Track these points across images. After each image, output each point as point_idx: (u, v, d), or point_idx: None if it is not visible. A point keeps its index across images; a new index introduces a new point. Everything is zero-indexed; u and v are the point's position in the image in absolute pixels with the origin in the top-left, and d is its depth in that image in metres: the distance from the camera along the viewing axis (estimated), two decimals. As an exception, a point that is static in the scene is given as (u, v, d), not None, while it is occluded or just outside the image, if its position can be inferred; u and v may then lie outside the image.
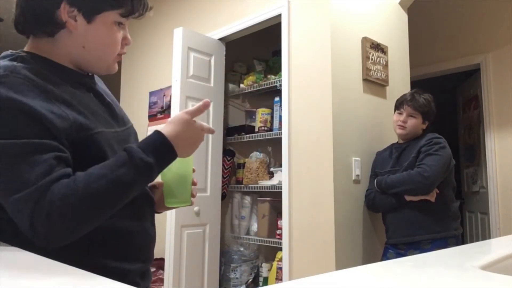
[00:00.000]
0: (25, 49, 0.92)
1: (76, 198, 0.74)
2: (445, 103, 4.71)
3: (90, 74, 0.99)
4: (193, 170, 1.03)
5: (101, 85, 1.05)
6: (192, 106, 3.16)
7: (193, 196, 1.03)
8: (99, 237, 0.84)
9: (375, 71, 2.52)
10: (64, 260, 0.64)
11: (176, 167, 0.95)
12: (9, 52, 0.90)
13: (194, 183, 1.03)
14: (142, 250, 0.94)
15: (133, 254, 0.91)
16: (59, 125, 0.79)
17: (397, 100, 2.31)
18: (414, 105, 2.20)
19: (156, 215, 1.05)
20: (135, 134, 1.06)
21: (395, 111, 2.31)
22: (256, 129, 3.08)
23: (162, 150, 0.85)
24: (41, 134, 0.77)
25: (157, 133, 0.86)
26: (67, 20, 0.87)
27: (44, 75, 0.85)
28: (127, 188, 0.81)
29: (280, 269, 2.62)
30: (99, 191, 0.76)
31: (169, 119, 0.91)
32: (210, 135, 2.86)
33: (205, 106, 0.94)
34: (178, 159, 0.92)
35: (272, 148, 3.33)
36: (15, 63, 0.84)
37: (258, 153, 3.09)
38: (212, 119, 2.89)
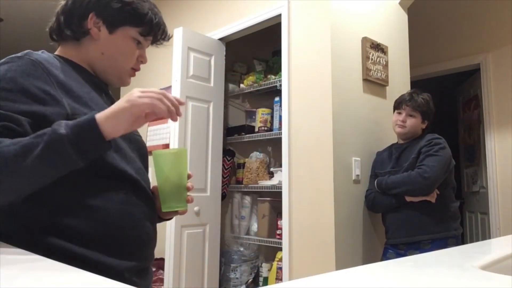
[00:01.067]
0: (55, 53, 1.03)
1: None
2: (445, 103, 4.71)
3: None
4: (189, 176, 1.02)
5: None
6: (192, 106, 3.11)
7: (188, 201, 1.01)
8: (92, 230, 0.85)
9: (375, 71, 2.52)
10: (56, 251, 0.64)
11: (168, 170, 0.96)
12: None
13: (188, 188, 1.01)
14: (137, 248, 0.94)
15: (126, 251, 0.91)
16: (45, 105, 0.84)
17: (396, 101, 2.32)
18: (413, 104, 2.20)
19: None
20: (144, 145, 1.10)
21: (394, 111, 2.32)
22: (256, 129, 3.08)
23: (82, 124, 0.81)
24: (11, 107, 0.81)
25: (90, 114, 0.84)
26: (92, 28, 1.00)
27: (61, 68, 0.94)
28: (33, 158, 0.76)
29: (280, 269, 2.62)
30: (7, 153, 0.75)
31: None
32: (211, 136, 2.86)
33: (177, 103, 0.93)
34: (170, 162, 0.95)
35: (272, 148, 3.33)
36: (39, 52, 0.94)
37: (258, 153, 3.09)
38: (212, 119, 2.89)
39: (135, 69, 1.08)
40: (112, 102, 1.04)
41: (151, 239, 0.99)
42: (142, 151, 1.06)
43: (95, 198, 0.88)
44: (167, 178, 0.96)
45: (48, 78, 0.88)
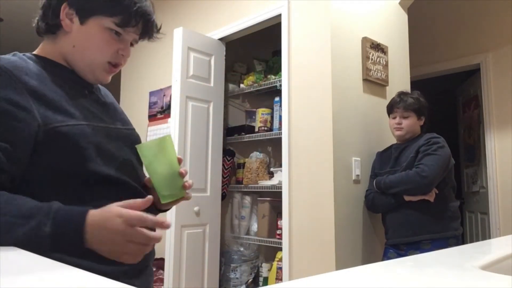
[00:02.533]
0: (33, 52, 0.97)
1: None
2: (445, 103, 4.72)
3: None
4: (179, 160, 0.96)
5: (105, 93, 1.08)
6: (192, 106, 3.09)
7: (185, 187, 0.95)
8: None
9: (375, 71, 2.52)
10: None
11: (156, 161, 0.91)
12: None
13: (182, 174, 0.94)
14: None
15: None
16: (21, 119, 0.80)
17: (387, 106, 2.35)
18: (404, 105, 2.23)
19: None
20: (137, 138, 1.05)
21: (388, 116, 2.34)
22: (256, 129, 3.08)
23: (67, 228, 0.75)
24: None
25: (82, 213, 0.77)
26: (64, 19, 0.93)
27: (34, 71, 0.88)
28: (9, 239, 0.72)
29: (280, 269, 2.62)
30: None
31: (106, 215, 0.78)
32: (211, 136, 2.86)
33: (146, 204, 0.83)
34: (156, 152, 0.90)
35: (272, 148, 3.33)
36: (9, 56, 0.89)
37: (258, 153, 3.09)
38: (212, 119, 2.89)
39: (115, 65, 0.98)
40: (97, 100, 0.99)
41: None
42: (135, 145, 0.99)
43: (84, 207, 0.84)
44: (156, 169, 0.92)
45: (17, 86, 0.82)
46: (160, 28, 1.04)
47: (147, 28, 0.99)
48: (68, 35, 0.95)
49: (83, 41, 0.94)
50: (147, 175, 0.99)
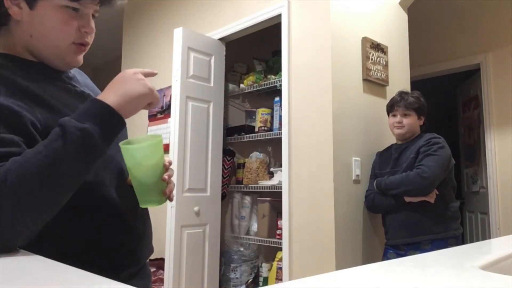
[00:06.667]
0: None
1: (10, 183, 0.65)
2: (445, 103, 4.72)
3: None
4: (166, 167, 0.88)
5: (80, 77, 0.99)
6: (192, 106, 3.11)
7: (165, 194, 0.87)
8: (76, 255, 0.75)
9: (375, 71, 2.52)
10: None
11: (142, 165, 0.83)
12: None
13: (164, 179, 0.86)
14: (125, 260, 0.90)
15: (116, 265, 0.87)
16: (26, 116, 0.75)
17: (387, 105, 2.34)
18: (405, 104, 2.23)
19: (157, 214, 1.01)
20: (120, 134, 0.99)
21: (388, 115, 2.33)
22: (256, 129, 3.08)
23: (98, 112, 0.75)
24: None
25: (90, 100, 0.78)
26: (11, 7, 0.83)
27: (9, 69, 0.82)
28: (68, 162, 0.70)
29: (280, 269, 2.62)
30: (35, 169, 0.67)
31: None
32: (210, 135, 2.86)
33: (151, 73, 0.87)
34: (148, 152, 0.83)
35: (272, 148, 3.33)
36: None
37: (258, 153, 3.09)
38: (212, 119, 2.89)
39: (81, 44, 0.88)
40: (76, 93, 0.91)
41: (141, 237, 0.94)
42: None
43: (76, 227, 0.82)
44: (139, 174, 0.84)
45: (9, 87, 0.77)
46: None
47: None
48: (20, 24, 0.84)
49: (39, 27, 0.84)
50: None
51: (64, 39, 0.86)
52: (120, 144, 0.81)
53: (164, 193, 0.86)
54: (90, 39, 0.90)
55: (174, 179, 1.05)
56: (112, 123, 0.76)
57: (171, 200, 0.91)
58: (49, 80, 0.87)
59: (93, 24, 0.89)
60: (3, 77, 0.78)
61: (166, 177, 0.86)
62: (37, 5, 0.82)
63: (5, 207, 0.65)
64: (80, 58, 0.91)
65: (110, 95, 0.77)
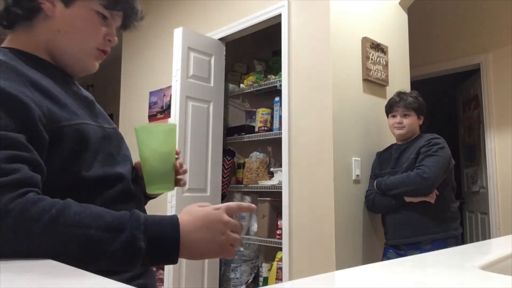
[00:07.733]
0: (3, 45, 0.88)
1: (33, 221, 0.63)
2: (445, 103, 4.72)
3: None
4: (177, 153, 0.90)
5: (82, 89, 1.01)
6: (192, 106, 3.09)
7: (177, 182, 0.90)
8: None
9: (375, 71, 2.52)
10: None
11: (156, 150, 0.84)
12: None
13: (177, 167, 0.89)
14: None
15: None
16: (35, 110, 0.73)
17: (386, 105, 2.34)
18: (404, 104, 2.22)
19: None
20: (121, 136, 0.98)
21: (387, 115, 2.33)
22: (256, 129, 3.08)
23: (163, 243, 0.70)
24: (7, 124, 0.69)
25: (172, 222, 0.74)
26: (44, 3, 0.84)
27: (21, 63, 0.81)
28: (97, 254, 0.67)
29: (280, 269, 2.62)
30: (65, 235, 0.65)
31: (197, 209, 0.80)
32: (211, 136, 2.86)
33: (250, 209, 0.85)
34: (160, 141, 0.84)
35: (272, 148, 3.33)
36: None
37: (258, 153, 3.09)
38: (212, 119, 2.89)
39: (103, 51, 0.91)
40: (80, 96, 0.90)
41: None
42: (121, 143, 0.96)
43: None
44: (154, 158, 0.85)
45: (18, 78, 0.76)
46: (142, 18, 0.96)
47: (133, 15, 0.93)
48: (49, 20, 0.85)
49: (70, 25, 0.86)
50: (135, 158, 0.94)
51: (91, 41, 0.89)
52: (136, 127, 0.82)
53: (176, 181, 0.91)
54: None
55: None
56: (164, 253, 0.71)
57: (181, 185, 0.95)
58: (58, 80, 0.87)
59: (116, 37, 0.92)
60: (13, 68, 0.77)
61: (178, 164, 0.89)
62: (74, 4, 0.86)
63: (9, 236, 0.63)
64: (97, 64, 0.93)
65: (187, 230, 0.74)
